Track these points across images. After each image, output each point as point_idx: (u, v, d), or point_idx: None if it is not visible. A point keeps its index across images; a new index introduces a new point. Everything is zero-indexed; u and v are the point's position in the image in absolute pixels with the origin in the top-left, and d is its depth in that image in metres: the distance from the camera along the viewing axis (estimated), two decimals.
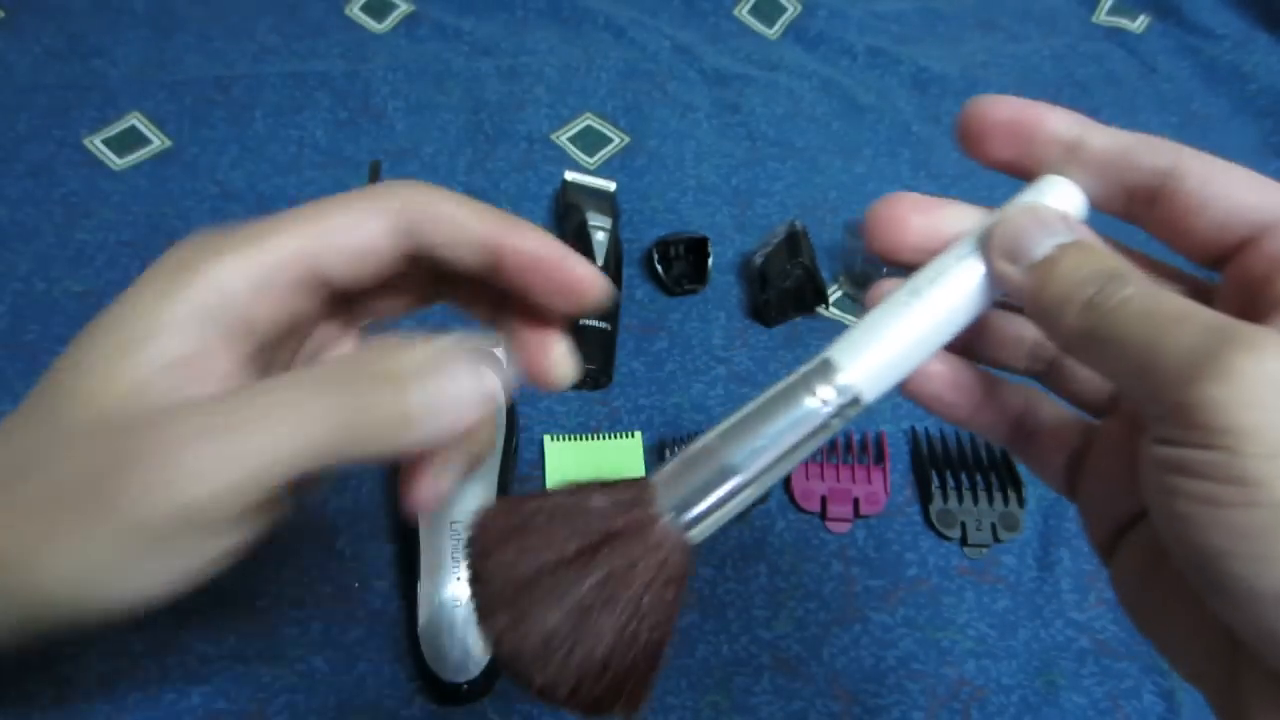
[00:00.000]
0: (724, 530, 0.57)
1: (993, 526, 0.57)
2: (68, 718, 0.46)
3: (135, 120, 0.75)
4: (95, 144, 0.73)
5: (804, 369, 0.25)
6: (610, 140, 0.78)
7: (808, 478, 0.58)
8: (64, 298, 0.64)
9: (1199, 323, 0.21)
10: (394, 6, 0.87)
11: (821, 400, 0.24)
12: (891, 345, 0.25)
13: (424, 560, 0.49)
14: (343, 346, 0.31)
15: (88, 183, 0.71)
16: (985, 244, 0.25)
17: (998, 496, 0.57)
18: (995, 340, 0.28)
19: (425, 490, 0.28)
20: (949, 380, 0.27)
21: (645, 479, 0.25)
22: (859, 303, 0.68)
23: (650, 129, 0.79)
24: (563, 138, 0.78)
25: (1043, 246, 0.24)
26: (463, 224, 0.27)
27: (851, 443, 0.59)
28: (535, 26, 0.88)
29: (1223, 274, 0.24)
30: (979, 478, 0.58)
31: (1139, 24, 0.94)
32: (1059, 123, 0.25)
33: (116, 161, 0.72)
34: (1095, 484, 0.27)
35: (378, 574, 0.52)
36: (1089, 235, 0.24)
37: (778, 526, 0.56)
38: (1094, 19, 0.95)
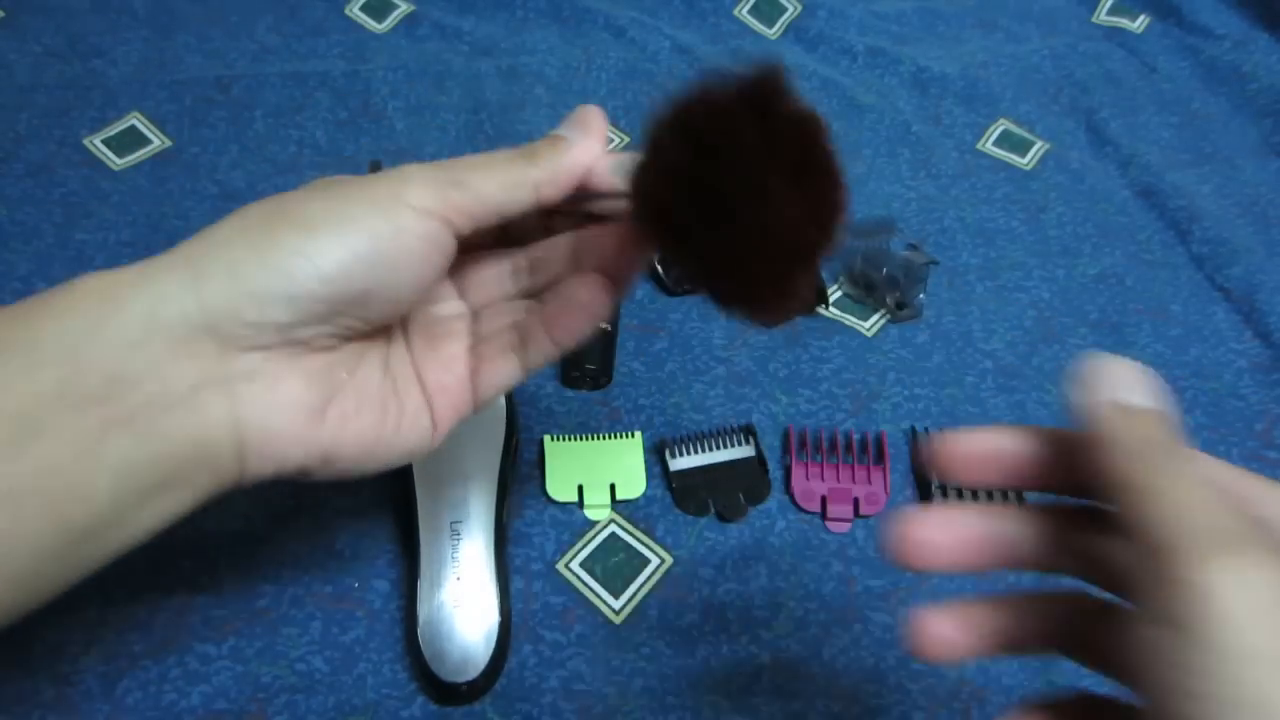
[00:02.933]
0: (724, 530, 0.57)
1: None
2: (68, 718, 0.46)
3: (135, 120, 0.75)
4: (95, 144, 0.73)
5: None
6: (610, 140, 0.78)
7: (808, 478, 0.58)
8: None
9: (1216, 526, 0.23)
10: (394, 6, 0.87)
11: None
12: None
13: (424, 560, 0.49)
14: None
15: (88, 183, 0.71)
16: (1084, 379, 0.27)
17: (998, 496, 0.57)
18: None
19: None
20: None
21: None
22: (859, 303, 0.68)
23: None
24: None
25: (1134, 395, 0.27)
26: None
27: (852, 442, 0.59)
28: (535, 26, 0.88)
29: None
30: None
31: (1139, 24, 0.94)
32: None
33: (116, 161, 0.72)
34: None
35: (378, 574, 0.52)
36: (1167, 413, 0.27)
37: (778, 526, 0.56)
38: (1094, 19, 0.95)
